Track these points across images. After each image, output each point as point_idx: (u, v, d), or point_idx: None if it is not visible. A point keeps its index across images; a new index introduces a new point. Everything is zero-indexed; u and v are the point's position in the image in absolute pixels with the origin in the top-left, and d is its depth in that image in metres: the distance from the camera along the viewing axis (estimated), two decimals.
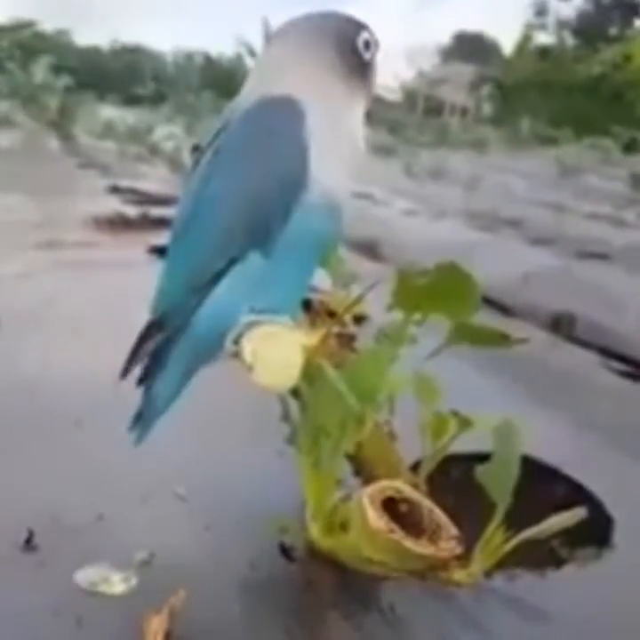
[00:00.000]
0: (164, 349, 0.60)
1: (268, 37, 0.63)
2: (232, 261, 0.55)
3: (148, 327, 0.60)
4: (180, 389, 0.62)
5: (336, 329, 0.64)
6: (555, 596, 0.66)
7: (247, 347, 0.55)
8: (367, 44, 0.60)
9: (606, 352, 1.45)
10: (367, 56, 0.60)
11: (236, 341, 0.57)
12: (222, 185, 0.56)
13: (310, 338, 0.56)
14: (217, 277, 0.56)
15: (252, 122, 0.56)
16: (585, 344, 1.50)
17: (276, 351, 0.54)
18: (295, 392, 0.62)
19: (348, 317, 0.67)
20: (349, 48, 0.59)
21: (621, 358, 1.42)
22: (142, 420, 0.64)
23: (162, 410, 0.63)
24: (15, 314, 1.32)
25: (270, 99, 0.56)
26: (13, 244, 1.94)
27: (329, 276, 0.71)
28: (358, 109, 0.60)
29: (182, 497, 0.76)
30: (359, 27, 0.60)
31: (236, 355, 0.57)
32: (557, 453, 0.90)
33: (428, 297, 0.61)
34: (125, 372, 0.61)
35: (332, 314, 0.67)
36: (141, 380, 0.63)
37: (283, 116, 0.55)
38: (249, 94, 0.58)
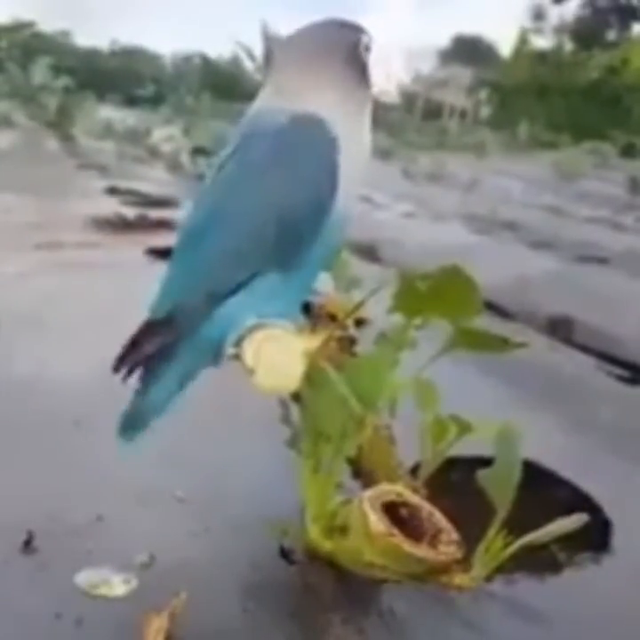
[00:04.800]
0: (163, 352, 0.60)
1: (277, 43, 0.64)
2: (254, 275, 0.56)
3: (146, 327, 0.60)
4: (179, 392, 0.62)
5: (337, 333, 0.64)
6: (554, 599, 0.66)
7: (249, 350, 0.55)
8: (367, 48, 0.61)
9: (604, 356, 1.46)
10: (367, 59, 0.61)
11: (237, 344, 0.57)
12: (253, 199, 0.56)
13: (312, 342, 0.56)
14: (236, 288, 0.56)
15: (286, 141, 0.56)
16: (582, 348, 1.50)
17: (278, 355, 0.54)
18: (296, 395, 0.62)
19: (348, 321, 0.67)
20: (354, 56, 0.60)
21: (619, 362, 1.43)
22: (136, 422, 0.63)
23: (159, 413, 0.63)
24: (14, 314, 1.32)
25: (302, 119, 0.56)
26: (12, 244, 1.94)
27: (332, 279, 0.71)
28: (367, 114, 0.61)
29: (181, 499, 0.76)
30: (358, 31, 0.61)
31: (237, 357, 0.57)
32: (554, 457, 0.90)
33: (429, 301, 0.61)
34: (117, 367, 0.61)
35: (333, 317, 0.67)
36: (127, 376, 0.62)
37: (318, 141, 0.56)
38: (271, 106, 0.58)
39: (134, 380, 0.63)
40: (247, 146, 0.57)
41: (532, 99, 13.61)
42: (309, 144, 0.56)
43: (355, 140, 0.58)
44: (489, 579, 0.62)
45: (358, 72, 0.60)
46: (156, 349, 0.59)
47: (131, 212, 2.44)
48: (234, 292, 0.56)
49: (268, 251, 0.55)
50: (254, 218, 0.56)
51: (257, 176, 0.56)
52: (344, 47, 0.60)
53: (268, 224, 0.55)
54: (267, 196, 0.56)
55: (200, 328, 0.58)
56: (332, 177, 0.55)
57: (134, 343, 0.60)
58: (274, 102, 0.59)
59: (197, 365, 0.61)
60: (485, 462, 0.60)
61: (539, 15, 17.65)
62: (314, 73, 0.58)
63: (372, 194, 3.47)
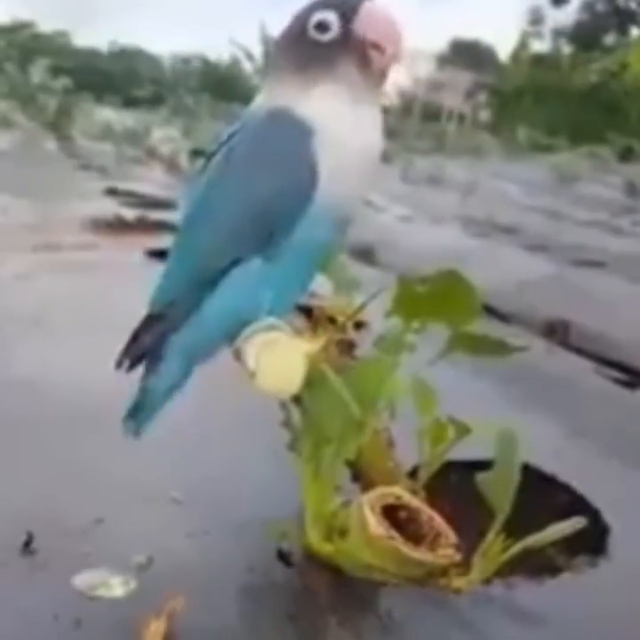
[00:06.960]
0: (161, 343, 0.61)
1: (266, 41, 0.64)
2: (234, 262, 0.57)
3: (146, 321, 0.61)
4: (180, 384, 0.63)
5: (337, 336, 0.64)
6: (552, 603, 0.66)
7: (250, 353, 0.55)
8: (321, 25, 0.53)
9: (601, 359, 1.46)
10: (326, 37, 0.53)
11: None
12: (232, 190, 0.57)
13: (312, 345, 0.56)
14: (219, 276, 0.57)
15: (261, 135, 0.57)
16: (579, 351, 1.51)
17: (279, 358, 0.54)
18: (297, 398, 0.62)
19: (348, 324, 0.68)
20: (304, 39, 0.54)
21: (616, 365, 1.43)
22: (139, 413, 0.64)
23: (159, 404, 0.64)
24: (13, 315, 1.32)
25: (273, 112, 0.56)
26: (11, 245, 1.94)
27: (331, 282, 0.71)
28: (359, 102, 0.55)
29: (179, 501, 0.76)
30: (311, 9, 0.54)
31: (238, 356, 0.57)
32: (552, 460, 0.90)
33: (428, 304, 0.62)
34: (120, 363, 0.63)
35: (332, 320, 0.67)
36: (129, 370, 0.63)
37: (286, 133, 0.55)
38: (259, 102, 0.59)
39: (135, 381, 0.63)
40: (233, 140, 0.58)
41: (530, 102, 13.64)
42: (279, 136, 0.56)
43: (344, 133, 0.55)
44: (487, 582, 0.62)
45: (315, 56, 0.54)
46: (152, 343, 0.61)
47: (130, 214, 2.44)
48: (216, 281, 0.57)
49: (245, 238, 0.56)
50: (233, 208, 0.57)
51: (238, 168, 0.57)
52: (293, 31, 0.55)
53: (245, 214, 0.56)
54: (245, 188, 0.56)
55: (190, 321, 0.59)
56: (306, 168, 0.54)
57: (135, 337, 0.62)
58: (261, 98, 0.60)
59: (193, 360, 0.62)
60: (484, 465, 0.60)
61: (537, 19, 17.68)
62: (278, 65, 0.58)
63: (369, 197, 3.47)
